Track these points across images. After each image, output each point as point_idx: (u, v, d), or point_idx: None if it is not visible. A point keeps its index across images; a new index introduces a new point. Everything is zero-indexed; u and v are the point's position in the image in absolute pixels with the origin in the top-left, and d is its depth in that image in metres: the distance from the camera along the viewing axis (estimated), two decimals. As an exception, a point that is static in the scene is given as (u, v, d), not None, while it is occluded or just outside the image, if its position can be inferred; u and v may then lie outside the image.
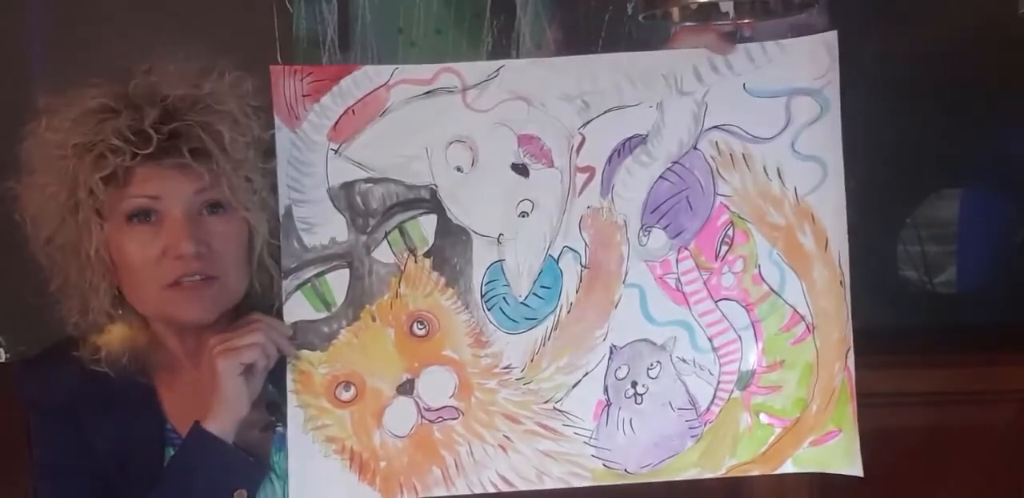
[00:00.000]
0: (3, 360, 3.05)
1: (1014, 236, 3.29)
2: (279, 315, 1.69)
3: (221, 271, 1.65)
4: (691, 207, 1.72)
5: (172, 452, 1.71)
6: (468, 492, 1.71)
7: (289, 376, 1.68)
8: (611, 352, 1.71)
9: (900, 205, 3.25)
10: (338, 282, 1.69)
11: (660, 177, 1.72)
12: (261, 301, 1.70)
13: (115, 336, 1.73)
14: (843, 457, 1.73)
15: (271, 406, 1.71)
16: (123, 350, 1.72)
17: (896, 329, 2.99)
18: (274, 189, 1.67)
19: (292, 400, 1.68)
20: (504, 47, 2.91)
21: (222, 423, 1.62)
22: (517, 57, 2.89)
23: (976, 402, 2.92)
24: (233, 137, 1.62)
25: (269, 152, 1.67)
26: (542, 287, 1.71)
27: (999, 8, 2.68)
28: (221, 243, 1.65)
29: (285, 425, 1.70)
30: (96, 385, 1.72)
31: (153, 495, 1.64)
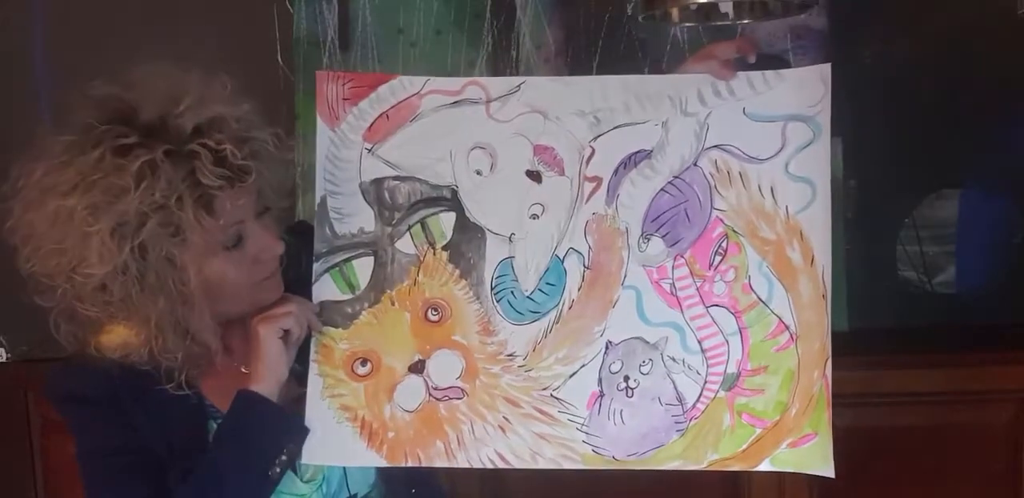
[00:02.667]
0: (4, 360, 3.20)
1: (1013, 236, 3.34)
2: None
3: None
4: (689, 219, 1.86)
5: (214, 425, 1.83)
6: (467, 466, 1.86)
7: (312, 348, 1.86)
8: (607, 347, 1.86)
9: (899, 205, 3.31)
10: (363, 268, 1.88)
11: (661, 190, 1.87)
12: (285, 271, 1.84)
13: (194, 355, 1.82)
14: (818, 459, 1.83)
15: (300, 379, 1.87)
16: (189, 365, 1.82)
17: (895, 329, 3.11)
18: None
19: (313, 369, 1.86)
20: (504, 48, 3.04)
21: (267, 384, 1.78)
22: (517, 57, 3.03)
23: (975, 402, 3.00)
24: (277, 141, 1.74)
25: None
26: (547, 284, 1.87)
27: (999, 8, 2.70)
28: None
29: None
30: (134, 371, 1.78)
31: (210, 456, 1.76)
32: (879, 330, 3.08)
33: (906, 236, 3.33)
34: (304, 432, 1.83)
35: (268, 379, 1.78)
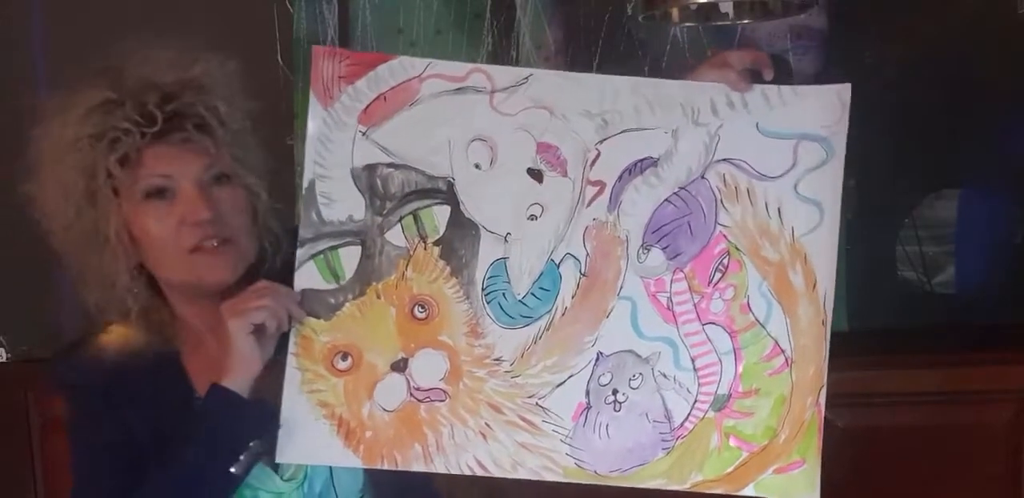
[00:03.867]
0: (4, 360, 3.16)
1: (1013, 236, 3.35)
2: (290, 273, 1.79)
3: (233, 234, 1.78)
4: (691, 232, 1.81)
5: None
6: (445, 471, 1.78)
7: (292, 339, 1.77)
8: (597, 358, 1.79)
9: (899, 205, 3.31)
10: (349, 257, 1.79)
11: (666, 200, 1.81)
12: (272, 262, 1.82)
13: (136, 314, 1.86)
14: (803, 487, 1.79)
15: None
16: (144, 326, 1.86)
17: (895, 329, 3.10)
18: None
19: (291, 362, 1.77)
20: (504, 47, 3.04)
21: (237, 379, 1.73)
22: (517, 57, 3.03)
23: (975, 402, 2.99)
24: (228, 110, 1.79)
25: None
26: (541, 288, 1.79)
27: (999, 8, 2.75)
28: (230, 209, 1.80)
29: None
30: (127, 363, 1.84)
31: (176, 449, 1.72)
32: (879, 330, 3.08)
33: (906, 236, 3.33)
34: (273, 429, 1.75)
35: (238, 374, 1.73)
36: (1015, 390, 3.02)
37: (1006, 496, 3.06)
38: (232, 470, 1.71)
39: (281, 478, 1.81)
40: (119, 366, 1.84)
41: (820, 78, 2.78)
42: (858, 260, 2.88)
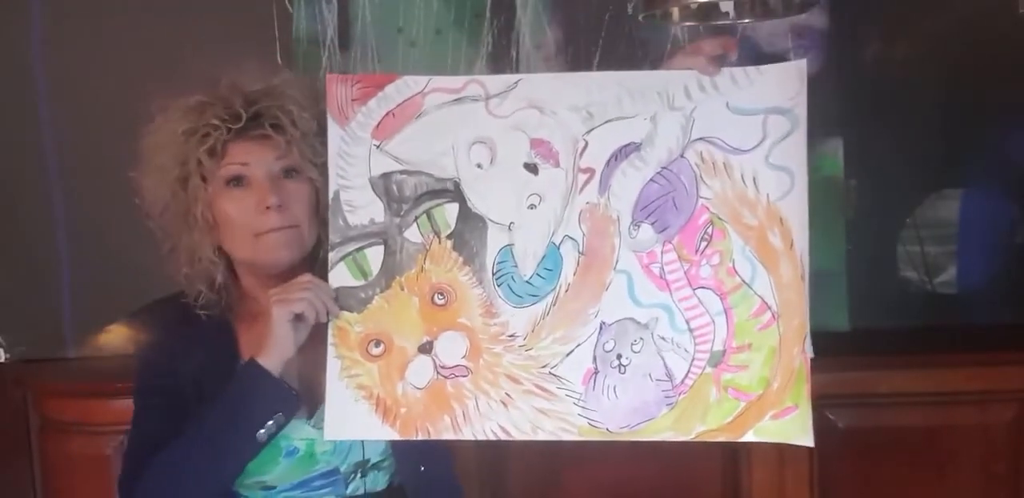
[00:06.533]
0: (2, 360, 3.26)
1: (1015, 236, 3.37)
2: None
3: (297, 221, 2.06)
4: (676, 207, 1.99)
5: None
6: (472, 438, 2.00)
7: (330, 331, 2.00)
8: (601, 327, 1.99)
9: (900, 205, 3.33)
10: (374, 256, 2.02)
11: (651, 180, 1.99)
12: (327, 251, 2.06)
13: (217, 286, 2.15)
14: (798, 430, 1.98)
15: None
16: (218, 295, 2.14)
17: (896, 329, 3.14)
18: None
19: (331, 352, 2.01)
20: (504, 47, 3.10)
21: (272, 360, 1.99)
22: (517, 57, 3.11)
23: (976, 402, 3.01)
24: (300, 114, 2.05)
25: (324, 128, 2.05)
26: (545, 269, 2.00)
27: (999, 8, 2.78)
28: (296, 200, 2.08)
29: None
30: (190, 325, 2.13)
31: (210, 411, 1.99)
32: (880, 330, 3.11)
33: (907, 236, 3.34)
34: (296, 404, 2.01)
35: (273, 355, 1.99)
36: (1017, 391, 3.03)
37: (1008, 496, 3.06)
38: (257, 435, 1.96)
39: (313, 426, 2.07)
40: (182, 324, 2.14)
41: (820, 78, 2.76)
42: (859, 260, 2.93)
